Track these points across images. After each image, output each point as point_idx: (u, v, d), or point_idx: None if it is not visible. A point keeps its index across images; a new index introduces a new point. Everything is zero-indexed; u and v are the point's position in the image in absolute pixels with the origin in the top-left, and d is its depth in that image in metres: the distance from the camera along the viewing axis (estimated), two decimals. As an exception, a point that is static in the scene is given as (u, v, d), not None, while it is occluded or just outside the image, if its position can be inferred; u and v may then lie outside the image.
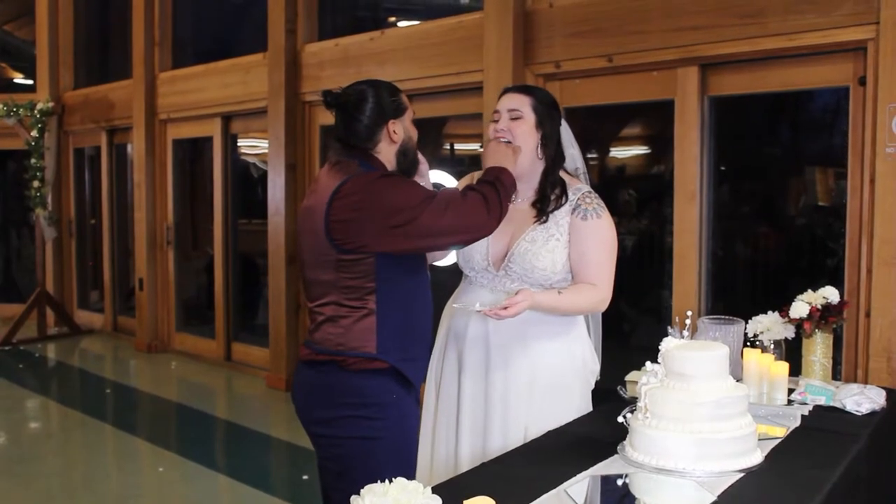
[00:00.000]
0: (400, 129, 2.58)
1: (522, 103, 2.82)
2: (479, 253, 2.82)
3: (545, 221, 2.79)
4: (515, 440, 2.73)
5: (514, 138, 2.79)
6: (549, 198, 2.82)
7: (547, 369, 2.80)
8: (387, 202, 2.38)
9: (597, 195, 2.87)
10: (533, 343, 2.79)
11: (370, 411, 2.44)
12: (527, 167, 2.81)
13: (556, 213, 2.80)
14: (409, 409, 2.54)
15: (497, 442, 2.76)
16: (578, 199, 2.82)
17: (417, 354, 2.57)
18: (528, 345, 2.78)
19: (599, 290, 2.78)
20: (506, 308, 2.53)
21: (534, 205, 2.83)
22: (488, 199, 2.46)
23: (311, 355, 2.53)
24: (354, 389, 2.45)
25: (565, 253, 2.78)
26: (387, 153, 2.57)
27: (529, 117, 2.81)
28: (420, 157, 2.78)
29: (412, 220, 2.36)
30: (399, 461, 2.46)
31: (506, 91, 2.92)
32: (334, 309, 2.47)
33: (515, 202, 2.83)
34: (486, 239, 2.75)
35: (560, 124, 2.90)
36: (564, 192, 2.83)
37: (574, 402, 2.84)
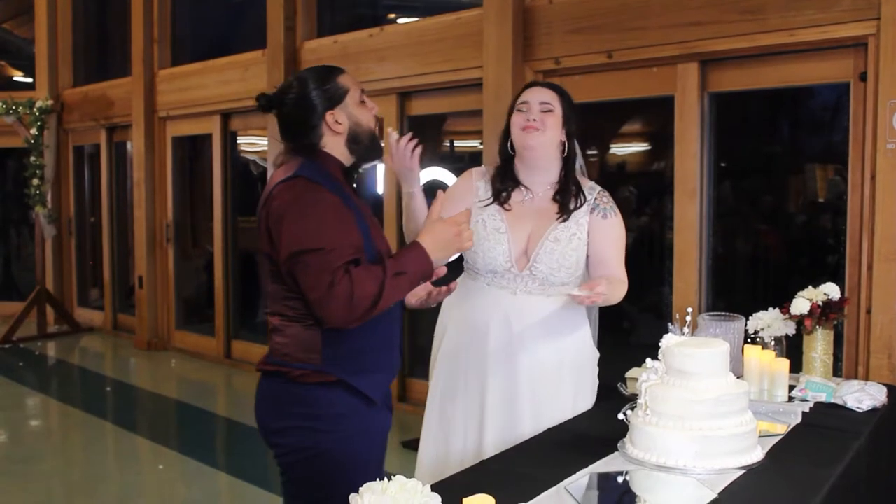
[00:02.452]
0: (343, 117, 2.36)
1: (553, 98, 2.84)
2: (501, 254, 2.78)
3: (566, 220, 2.80)
4: (546, 425, 2.72)
5: (546, 129, 2.79)
6: (570, 193, 2.82)
7: (570, 358, 2.83)
8: (298, 223, 2.20)
9: (608, 192, 2.91)
10: (556, 334, 2.81)
11: (319, 423, 2.28)
12: (548, 162, 2.83)
13: (576, 211, 2.82)
14: (369, 424, 2.35)
15: (528, 427, 2.75)
16: (595, 198, 2.85)
17: (374, 366, 2.36)
18: (552, 336, 2.80)
19: (625, 283, 2.82)
20: (595, 291, 2.53)
21: (555, 199, 2.84)
22: (377, 304, 2.18)
23: (261, 364, 2.40)
24: (302, 400, 2.29)
25: (585, 251, 2.81)
26: (334, 145, 2.38)
27: (558, 112, 2.83)
28: (415, 162, 2.72)
29: (304, 263, 2.17)
30: (349, 477, 2.22)
31: (534, 84, 2.92)
32: (279, 319, 2.34)
33: (528, 198, 2.84)
34: (506, 237, 2.78)
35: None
36: (581, 190, 2.85)
37: (592, 386, 2.92)
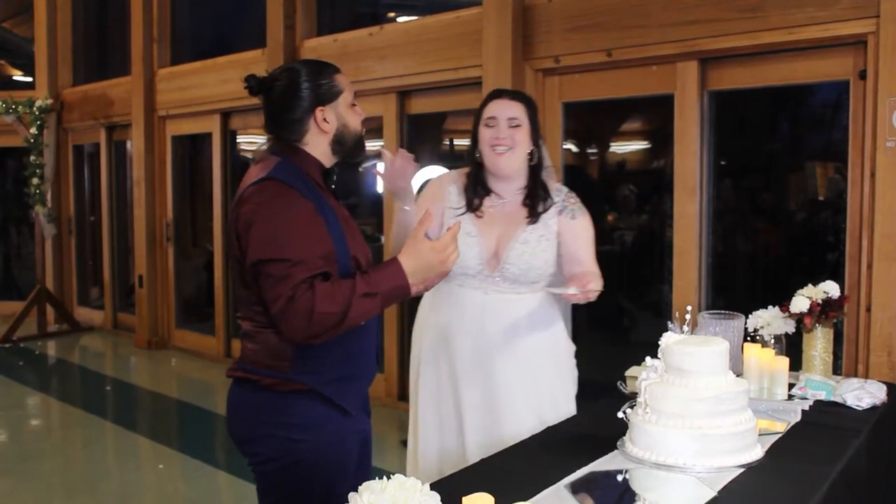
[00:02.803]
0: (332, 117, 2.29)
1: (519, 111, 2.86)
2: (473, 257, 2.82)
3: (535, 222, 2.85)
4: (528, 421, 2.77)
5: (515, 146, 2.82)
6: (539, 198, 2.87)
7: (546, 353, 2.89)
8: (266, 230, 2.13)
9: (573, 192, 2.97)
10: (530, 331, 2.86)
11: (292, 432, 2.21)
12: (518, 172, 2.88)
13: (544, 214, 2.88)
14: (345, 433, 2.29)
15: (510, 425, 2.80)
16: (563, 199, 2.92)
17: (349, 375, 2.29)
18: (526, 332, 2.85)
19: (601, 277, 2.84)
20: (588, 289, 2.59)
21: (524, 203, 2.88)
22: (340, 323, 2.09)
23: (232, 371, 2.33)
24: (274, 408, 2.22)
25: (555, 251, 2.87)
26: (318, 144, 2.30)
27: (525, 124, 2.86)
28: (409, 180, 2.71)
29: (263, 267, 2.11)
30: (324, 487, 2.24)
31: (498, 96, 2.92)
32: (249, 324, 2.26)
33: (498, 203, 2.89)
34: (477, 241, 2.82)
35: None
36: (548, 192, 2.91)
37: (572, 378, 2.97)
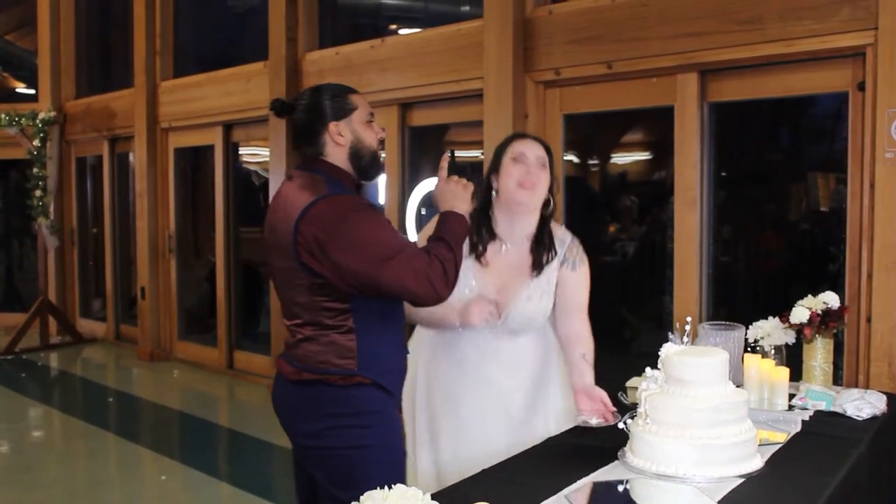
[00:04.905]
0: (346, 132, 2.50)
1: (545, 152, 2.85)
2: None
3: (538, 275, 2.85)
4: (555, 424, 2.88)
5: (539, 186, 2.80)
6: (544, 248, 2.87)
7: (542, 376, 2.95)
8: (356, 241, 2.32)
9: (577, 239, 2.95)
10: (526, 364, 2.93)
11: (359, 420, 2.45)
12: (531, 215, 2.87)
13: (546, 265, 2.87)
14: (394, 417, 2.56)
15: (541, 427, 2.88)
16: (566, 251, 2.90)
17: (394, 366, 2.56)
18: (523, 365, 2.92)
19: (591, 336, 2.90)
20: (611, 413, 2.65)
21: (530, 251, 2.87)
22: (447, 272, 2.36)
23: (294, 374, 2.50)
24: (341, 400, 2.44)
25: (553, 301, 2.89)
26: (336, 157, 2.51)
27: (548, 168, 2.85)
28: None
29: (373, 272, 2.30)
30: (390, 467, 2.48)
31: (524, 136, 2.91)
32: (313, 329, 2.46)
33: (503, 251, 2.87)
34: (477, 295, 2.83)
35: None
36: (552, 241, 2.89)
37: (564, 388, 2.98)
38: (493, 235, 2.88)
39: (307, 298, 2.44)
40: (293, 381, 2.51)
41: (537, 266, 2.84)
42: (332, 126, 2.49)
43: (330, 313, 2.42)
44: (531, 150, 2.82)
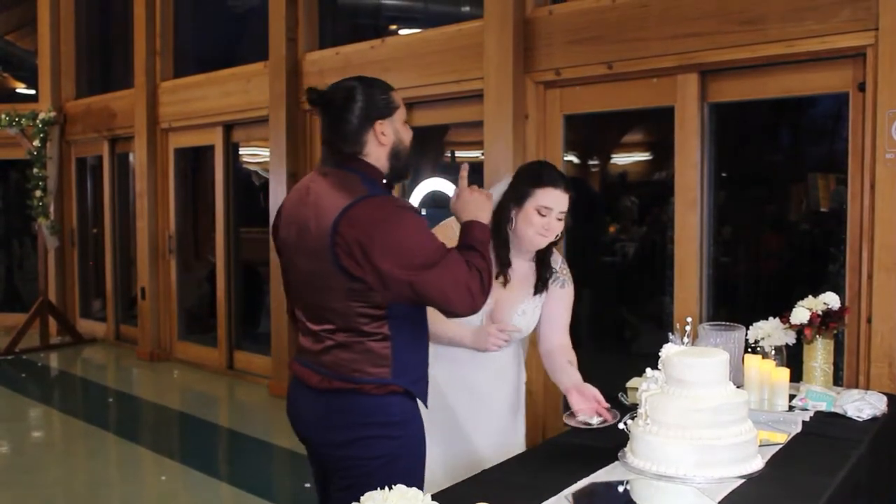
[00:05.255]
0: (389, 131, 2.41)
1: (567, 204, 2.87)
2: (477, 318, 2.86)
3: (537, 294, 2.95)
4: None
5: (555, 234, 2.86)
6: (548, 268, 2.96)
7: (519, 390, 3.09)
8: (399, 246, 2.24)
9: (565, 261, 3.06)
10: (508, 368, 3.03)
11: (391, 430, 2.36)
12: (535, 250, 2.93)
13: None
14: (421, 426, 2.47)
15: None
16: (558, 270, 2.99)
17: (423, 374, 2.49)
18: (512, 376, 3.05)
19: (571, 348, 2.98)
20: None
21: (535, 272, 2.95)
22: (484, 282, 2.31)
23: (323, 382, 2.39)
24: (374, 410, 2.36)
25: (539, 316, 2.98)
26: (377, 156, 2.41)
27: (566, 214, 2.89)
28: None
29: (414, 278, 2.23)
30: (418, 476, 2.41)
31: (555, 185, 2.85)
32: (347, 335, 2.35)
33: (507, 271, 2.93)
34: (481, 313, 2.82)
35: None
36: (550, 264, 2.97)
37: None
38: (508, 263, 2.92)
39: (341, 304, 2.33)
40: (320, 390, 2.40)
41: (541, 286, 2.94)
42: (378, 125, 2.39)
43: (365, 319, 2.32)
44: (558, 204, 2.83)
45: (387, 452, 2.36)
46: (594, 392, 2.72)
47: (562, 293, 2.98)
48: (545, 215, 2.81)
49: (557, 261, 3.01)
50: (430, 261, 2.23)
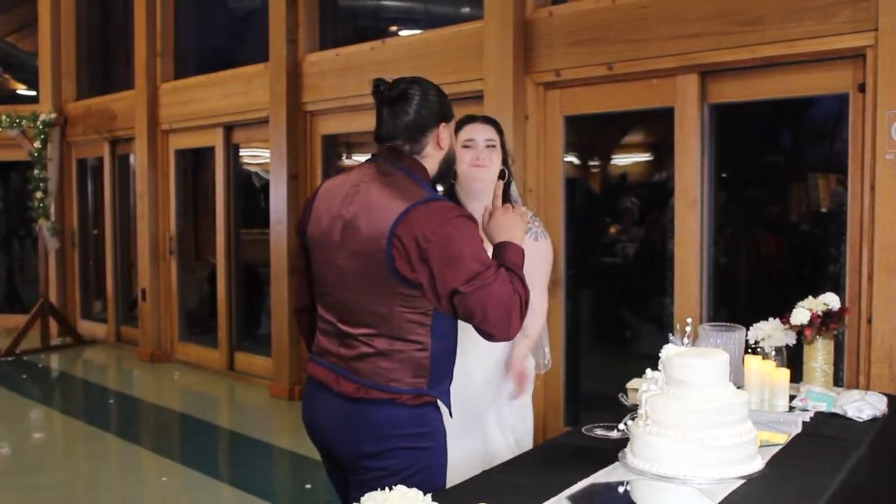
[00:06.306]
0: (446, 135, 2.38)
1: (495, 134, 2.97)
2: None
3: None
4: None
5: (491, 164, 2.92)
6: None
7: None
8: (456, 253, 2.16)
9: (539, 218, 3.09)
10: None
11: (423, 441, 2.32)
12: (489, 189, 2.87)
13: None
14: (445, 434, 2.42)
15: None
16: (528, 222, 2.91)
17: (450, 383, 2.43)
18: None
19: (543, 312, 2.99)
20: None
21: None
22: (522, 311, 2.21)
23: (358, 391, 2.30)
24: (409, 421, 2.30)
25: None
26: (433, 160, 2.37)
27: (499, 146, 2.97)
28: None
29: (464, 288, 2.14)
30: (440, 484, 2.37)
31: (472, 120, 2.99)
32: (388, 343, 2.27)
33: None
34: None
35: None
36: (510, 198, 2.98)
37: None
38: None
39: (388, 309, 2.25)
40: (352, 399, 2.32)
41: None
42: (442, 127, 2.36)
43: (411, 327, 2.26)
44: (479, 134, 2.94)
45: (415, 463, 2.31)
46: (519, 367, 2.85)
47: (536, 247, 2.91)
48: (470, 146, 2.91)
49: (527, 214, 2.89)
50: (477, 273, 2.15)
